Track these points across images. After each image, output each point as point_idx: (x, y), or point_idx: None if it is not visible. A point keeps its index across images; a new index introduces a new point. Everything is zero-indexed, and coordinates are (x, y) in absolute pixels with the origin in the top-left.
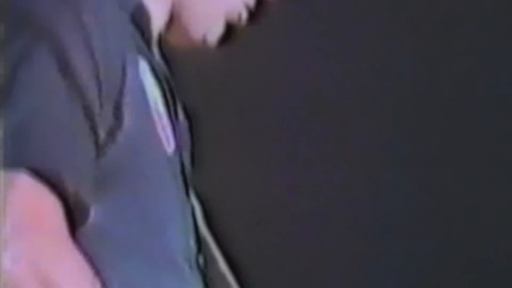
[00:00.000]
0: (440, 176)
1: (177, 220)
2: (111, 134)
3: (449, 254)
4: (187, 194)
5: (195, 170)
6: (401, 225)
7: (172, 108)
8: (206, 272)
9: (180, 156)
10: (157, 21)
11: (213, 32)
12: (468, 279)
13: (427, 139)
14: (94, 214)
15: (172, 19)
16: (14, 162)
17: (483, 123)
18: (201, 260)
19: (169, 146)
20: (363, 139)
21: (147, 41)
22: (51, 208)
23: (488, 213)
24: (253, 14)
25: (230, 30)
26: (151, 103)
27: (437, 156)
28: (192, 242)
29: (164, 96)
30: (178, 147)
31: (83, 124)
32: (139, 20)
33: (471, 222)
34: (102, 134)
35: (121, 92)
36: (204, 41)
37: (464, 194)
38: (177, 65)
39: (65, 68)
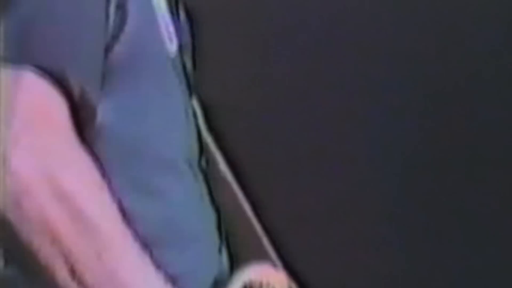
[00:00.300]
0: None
1: (180, 121)
2: (116, 32)
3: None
4: (189, 95)
5: (196, 71)
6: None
7: (173, 6)
8: (207, 173)
9: (182, 56)
10: None
11: None
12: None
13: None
14: (100, 114)
15: None
16: (20, 59)
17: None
18: (203, 162)
19: (172, 45)
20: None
21: None
22: (57, 105)
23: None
24: None
25: None
26: (154, 1)
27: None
28: (194, 143)
29: None
30: (181, 47)
31: (90, 20)
32: None
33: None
34: (108, 31)
35: None
36: None
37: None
38: None
39: None
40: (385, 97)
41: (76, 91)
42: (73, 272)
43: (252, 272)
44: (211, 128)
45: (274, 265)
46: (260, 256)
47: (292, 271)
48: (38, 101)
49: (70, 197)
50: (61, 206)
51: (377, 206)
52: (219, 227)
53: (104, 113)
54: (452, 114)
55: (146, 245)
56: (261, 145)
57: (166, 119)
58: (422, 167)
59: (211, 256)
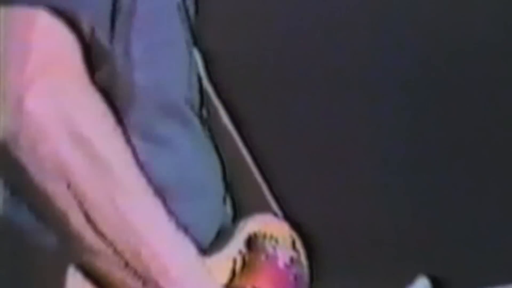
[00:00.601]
0: None
1: (185, 68)
2: None
3: None
4: (192, 42)
5: (198, 18)
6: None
7: None
8: (209, 123)
9: (185, 2)
10: None
11: None
12: None
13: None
14: (110, 59)
15: None
16: (32, 0)
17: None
18: (204, 112)
19: None
20: None
21: None
22: (71, 47)
23: None
24: None
25: None
26: None
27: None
28: (196, 93)
29: None
30: None
31: None
32: None
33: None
34: None
35: None
36: None
37: None
38: None
39: None
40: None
41: (87, 32)
42: (87, 216)
43: (256, 222)
44: (211, 78)
45: (275, 216)
46: (262, 206)
47: (292, 222)
48: (53, 41)
49: (86, 140)
50: (77, 149)
51: (381, 151)
52: (223, 177)
53: (114, 58)
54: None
55: (158, 192)
56: (262, 95)
57: (173, 66)
58: (431, 108)
59: (216, 206)
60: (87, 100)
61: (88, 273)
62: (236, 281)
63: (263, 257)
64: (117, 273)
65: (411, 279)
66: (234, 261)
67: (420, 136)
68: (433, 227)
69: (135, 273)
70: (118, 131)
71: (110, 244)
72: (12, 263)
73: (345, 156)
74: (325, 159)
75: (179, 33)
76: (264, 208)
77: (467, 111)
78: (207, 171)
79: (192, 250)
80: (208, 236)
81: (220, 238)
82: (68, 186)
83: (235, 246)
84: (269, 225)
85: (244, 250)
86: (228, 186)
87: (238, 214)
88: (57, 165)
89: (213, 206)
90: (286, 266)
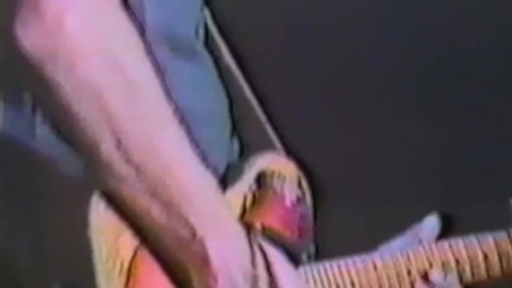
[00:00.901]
0: None
1: (195, 7)
2: None
3: None
4: None
5: None
6: None
7: None
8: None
9: None
10: None
11: None
12: None
13: None
14: None
15: None
16: None
17: None
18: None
19: None
20: None
21: None
22: None
23: None
24: None
25: None
26: None
27: None
28: (201, 32)
29: None
30: None
31: None
32: None
33: None
34: None
35: None
36: None
37: None
38: None
39: None
40: None
41: None
42: (118, 142)
43: (265, 160)
44: (215, 18)
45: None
46: (265, 145)
47: (297, 161)
48: None
49: (120, 64)
50: (112, 72)
51: (389, 87)
52: (230, 113)
53: None
54: None
55: (183, 121)
56: (265, 36)
57: (184, 4)
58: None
59: (224, 139)
60: (121, 25)
61: (112, 201)
62: (246, 217)
63: (271, 195)
64: (142, 202)
65: (419, 219)
66: (245, 197)
67: (432, 72)
68: (447, 165)
69: (160, 202)
70: (148, 59)
71: (138, 171)
72: (36, 189)
73: (351, 93)
74: (330, 98)
75: None
76: (268, 147)
77: (476, 65)
78: (215, 103)
79: (213, 182)
80: (218, 170)
81: (230, 173)
82: (102, 109)
83: (246, 182)
84: (277, 163)
85: (254, 186)
86: (235, 123)
87: (246, 153)
88: (92, 87)
89: (220, 139)
90: (293, 204)
